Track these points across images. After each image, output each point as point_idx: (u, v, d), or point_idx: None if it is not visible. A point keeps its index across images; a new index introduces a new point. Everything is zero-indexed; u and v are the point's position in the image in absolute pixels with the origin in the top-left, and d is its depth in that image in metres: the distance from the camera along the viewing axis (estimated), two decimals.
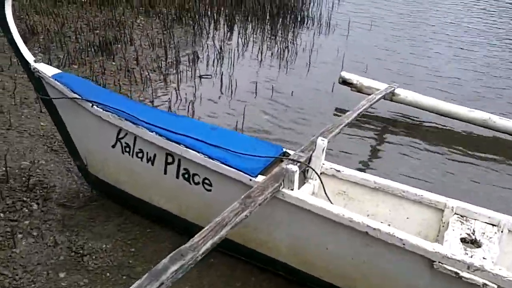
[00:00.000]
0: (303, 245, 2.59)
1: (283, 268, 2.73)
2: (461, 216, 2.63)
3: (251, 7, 8.62)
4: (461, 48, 7.55)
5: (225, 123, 4.61)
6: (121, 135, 2.98)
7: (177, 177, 2.84)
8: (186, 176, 2.81)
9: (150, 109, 3.25)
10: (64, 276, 2.71)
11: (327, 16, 8.58)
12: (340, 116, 3.80)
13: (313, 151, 2.81)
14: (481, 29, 8.67)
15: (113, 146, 3.04)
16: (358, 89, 5.23)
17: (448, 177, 4.09)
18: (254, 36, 7.43)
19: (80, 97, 2.98)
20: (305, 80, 5.91)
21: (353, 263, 2.46)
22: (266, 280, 2.79)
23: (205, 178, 2.75)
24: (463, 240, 2.47)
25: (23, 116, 4.30)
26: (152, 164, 2.92)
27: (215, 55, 6.38)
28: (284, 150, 2.88)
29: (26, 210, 3.17)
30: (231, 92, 5.37)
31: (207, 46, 6.73)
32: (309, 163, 2.81)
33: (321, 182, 2.74)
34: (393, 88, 4.95)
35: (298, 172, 2.48)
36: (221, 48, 6.60)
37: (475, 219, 2.61)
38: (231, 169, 2.61)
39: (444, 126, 4.96)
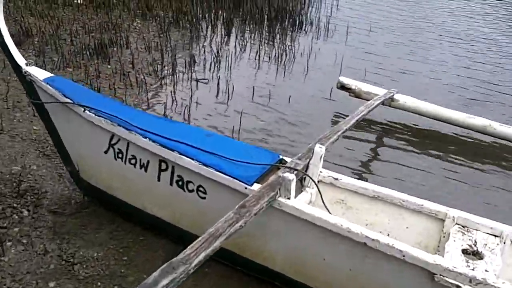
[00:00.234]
0: (300, 255, 2.52)
1: (279, 278, 2.66)
2: (463, 226, 2.56)
3: (249, 10, 8.57)
4: (462, 54, 7.49)
5: (221, 128, 4.55)
6: (113, 141, 2.91)
7: (171, 184, 2.78)
8: (180, 183, 2.75)
9: (144, 115, 3.19)
10: (54, 285, 2.64)
11: (326, 20, 8.53)
12: (338, 122, 3.74)
13: (310, 159, 2.75)
14: (482, 35, 8.62)
15: (106, 152, 2.97)
16: (357, 95, 5.16)
17: (448, 185, 4.03)
18: (252, 40, 7.37)
19: (72, 102, 2.93)
20: (303, 85, 5.85)
21: (351, 274, 2.39)
22: None
23: (200, 186, 2.68)
24: (464, 252, 2.40)
25: (15, 120, 4.23)
26: (145, 170, 2.85)
27: (212, 59, 6.31)
28: (281, 157, 2.82)
29: (16, 217, 3.10)
30: (228, 96, 5.30)
31: (204, 50, 6.66)
32: (306, 170, 2.74)
33: (319, 191, 2.68)
34: (392, 94, 4.88)
35: (295, 180, 2.42)
36: (218, 52, 6.54)
37: (477, 230, 2.54)
38: (226, 176, 2.55)
39: (444, 132, 4.89)
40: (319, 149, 2.72)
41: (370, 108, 4.17)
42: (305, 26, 8.36)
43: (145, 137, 2.75)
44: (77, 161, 3.20)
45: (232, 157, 2.66)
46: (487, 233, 2.53)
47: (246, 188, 2.50)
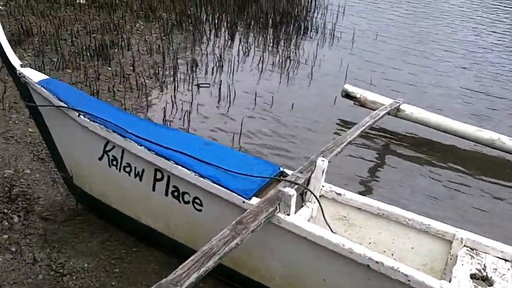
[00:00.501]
0: (298, 274, 2.40)
1: None
2: (471, 249, 2.43)
3: (253, 14, 8.46)
4: (471, 64, 7.34)
5: (221, 135, 4.44)
6: (108, 148, 2.81)
7: (166, 194, 2.67)
8: (176, 194, 2.64)
9: (141, 121, 3.07)
10: None
11: (331, 26, 8.40)
12: (342, 131, 3.61)
13: (312, 172, 2.63)
14: (491, 45, 8.47)
15: (100, 159, 2.87)
16: (362, 103, 5.04)
17: (455, 201, 3.88)
18: (256, 44, 7.25)
19: (66, 106, 2.82)
20: (307, 92, 5.72)
21: None
22: None
23: (196, 198, 2.57)
24: (473, 277, 2.27)
25: (10, 122, 4.13)
26: (140, 179, 2.75)
27: (215, 63, 6.19)
28: (282, 169, 2.71)
29: (6, 223, 3.01)
30: (229, 102, 5.18)
31: (207, 54, 6.55)
32: (307, 184, 2.62)
33: (320, 206, 2.56)
34: (398, 104, 4.75)
35: (295, 195, 2.32)
36: (221, 56, 6.42)
37: (487, 253, 2.41)
38: (224, 189, 2.44)
39: (451, 145, 4.73)
40: (322, 163, 2.61)
41: (375, 119, 4.05)
42: (310, 32, 8.24)
43: (141, 145, 2.64)
44: (71, 167, 3.09)
45: (230, 168, 2.56)
46: (497, 257, 2.40)
47: (244, 202, 2.40)
